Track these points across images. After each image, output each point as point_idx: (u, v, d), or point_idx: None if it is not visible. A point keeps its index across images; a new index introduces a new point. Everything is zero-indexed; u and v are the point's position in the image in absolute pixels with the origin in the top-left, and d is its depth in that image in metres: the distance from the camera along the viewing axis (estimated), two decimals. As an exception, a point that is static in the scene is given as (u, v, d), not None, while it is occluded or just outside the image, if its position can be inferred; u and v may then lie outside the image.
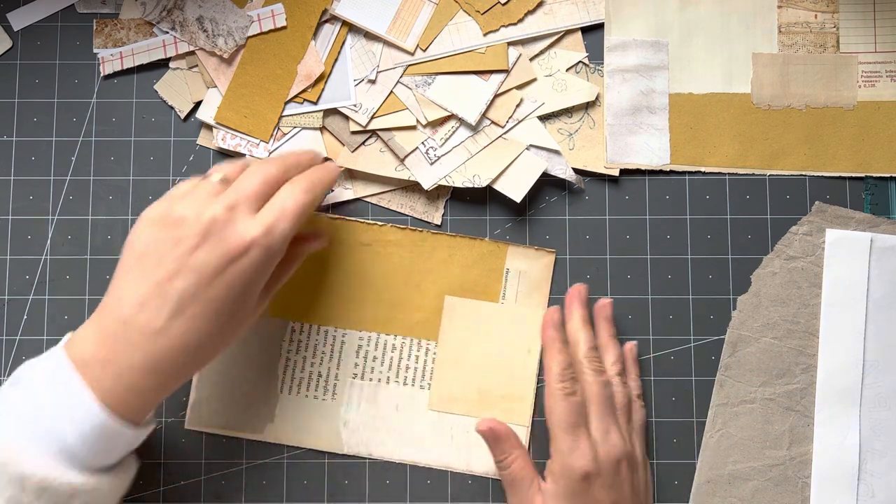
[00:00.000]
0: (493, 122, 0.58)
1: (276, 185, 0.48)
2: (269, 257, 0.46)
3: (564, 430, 0.50)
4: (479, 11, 0.58)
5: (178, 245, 0.44)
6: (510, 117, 0.58)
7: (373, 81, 0.58)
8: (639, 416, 0.55)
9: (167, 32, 0.59)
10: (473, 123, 0.57)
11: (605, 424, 0.51)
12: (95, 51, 0.59)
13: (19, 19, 0.60)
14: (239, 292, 0.45)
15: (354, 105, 0.58)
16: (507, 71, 0.58)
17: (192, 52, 0.59)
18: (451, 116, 0.58)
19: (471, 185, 0.57)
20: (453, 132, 0.58)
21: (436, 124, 0.58)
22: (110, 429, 0.43)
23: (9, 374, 0.57)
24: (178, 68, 0.59)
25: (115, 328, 0.44)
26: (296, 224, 0.47)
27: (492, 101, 0.58)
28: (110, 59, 0.59)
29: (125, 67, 0.59)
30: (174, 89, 0.59)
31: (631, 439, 0.53)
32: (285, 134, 0.58)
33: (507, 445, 0.52)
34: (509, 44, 0.58)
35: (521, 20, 0.58)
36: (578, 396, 0.51)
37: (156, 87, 0.59)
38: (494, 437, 0.52)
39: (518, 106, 0.58)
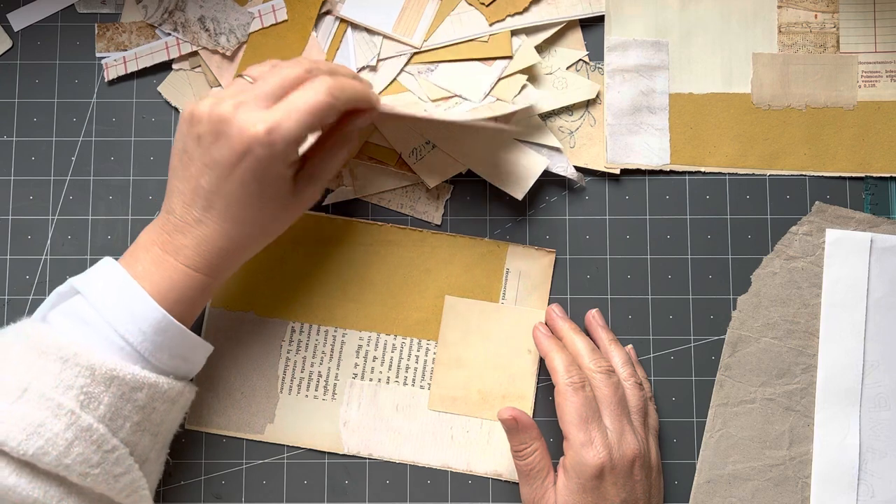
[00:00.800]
0: (498, 100, 0.58)
1: (298, 84, 0.47)
2: (273, 155, 0.45)
3: (577, 425, 0.49)
4: (483, 3, 0.58)
5: (199, 143, 0.46)
6: (515, 98, 0.57)
7: (374, 69, 0.58)
8: (653, 419, 0.55)
9: (169, 34, 0.59)
10: (478, 103, 0.57)
11: (620, 425, 0.50)
12: (98, 55, 0.59)
13: (19, 19, 0.60)
14: (255, 187, 0.46)
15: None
16: (510, 57, 0.58)
17: (194, 53, 0.59)
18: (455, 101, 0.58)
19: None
20: (456, 106, 0.57)
21: (439, 101, 0.58)
22: (166, 324, 0.47)
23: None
24: (180, 69, 0.59)
25: (167, 222, 0.48)
26: (305, 125, 0.45)
27: (495, 84, 0.58)
28: (114, 65, 0.59)
29: (129, 72, 0.59)
30: (178, 90, 0.59)
31: (647, 441, 0.52)
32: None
33: (527, 436, 0.51)
34: (512, 32, 0.58)
35: (526, 9, 0.58)
36: (589, 392, 0.50)
37: (159, 88, 0.59)
38: (516, 426, 0.51)
39: (523, 88, 0.57)
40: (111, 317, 0.46)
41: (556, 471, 0.51)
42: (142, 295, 0.46)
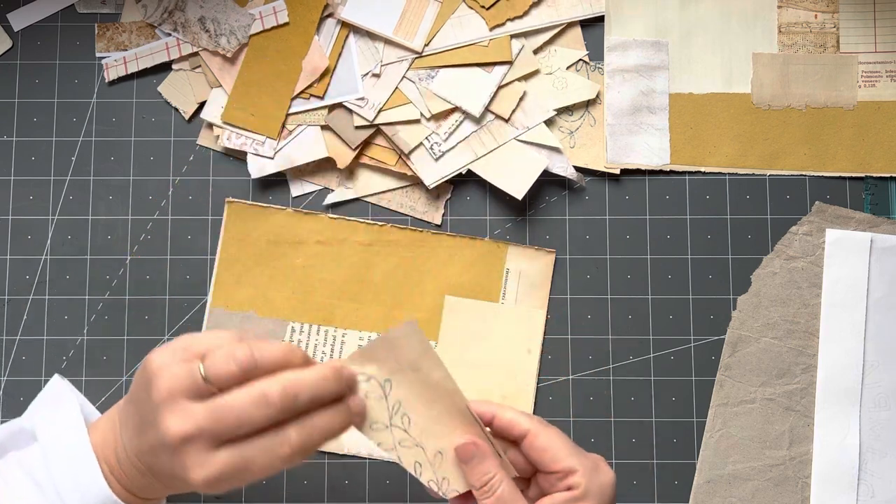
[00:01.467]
0: (497, 116, 0.58)
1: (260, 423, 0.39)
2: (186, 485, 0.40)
3: (576, 453, 0.44)
4: (483, 7, 0.58)
5: (138, 408, 0.41)
6: (514, 110, 0.58)
7: (377, 76, 0.58)
8: None
9: (169, 34, 0.59)
10: (478, 115, 0.57)
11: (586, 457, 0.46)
12: (98, 55, 0.59)
13: (19, 19, 0.60)
14: (166, 479, 0.41)
15: (361, 99, 0.58)
16: (510, 63, 0.58)
17: (195, 54, 0.59)
18: (455, 109, 0.58)
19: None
20: (457, 126, 0.58)
21: (440, 117, 0.58)
22: None
23: (8, 373, 0.57)
24: (181, 69, 0.59)
25: (110, 436, 0.43)
26: (248, 483, 0.40)
27: (495, 94, 0.58)
28: (114, 65, 0.59)
29: (129, 72, 0.59)
30: (178, 90, 0.59)
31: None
32: (291, 132, 0.58)
33: (491, 464, 0.44)
34: (512, 36, 0.58)
35: (525, 13, 0.58)
36: (552, 426, 0.46)
37: (159, 88, 0.59)
38: (477, 452, 0.44)
39: (522, 99, 0.58)
40: (62, 487, 0.42)
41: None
42: (94, 472, 0.42)
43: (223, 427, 0.38)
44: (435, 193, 0.59)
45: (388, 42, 0.58)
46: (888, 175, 0.58)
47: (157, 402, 0.39)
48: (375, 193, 0.59)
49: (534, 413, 0.57)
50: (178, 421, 0.38)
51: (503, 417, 0.45)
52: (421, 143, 0.58)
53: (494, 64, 0.58)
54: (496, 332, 0.58)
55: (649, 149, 0.58)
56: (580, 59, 0.59)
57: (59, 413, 0.45)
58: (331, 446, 0.57)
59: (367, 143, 0.58)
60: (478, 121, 0.58)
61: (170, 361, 0.39)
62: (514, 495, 0.44)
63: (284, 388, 0.39)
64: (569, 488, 0.44)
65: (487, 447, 0.44)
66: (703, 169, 0.59)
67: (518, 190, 0.57)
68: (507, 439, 0.45)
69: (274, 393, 0.39)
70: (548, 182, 0.59)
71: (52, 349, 0.58)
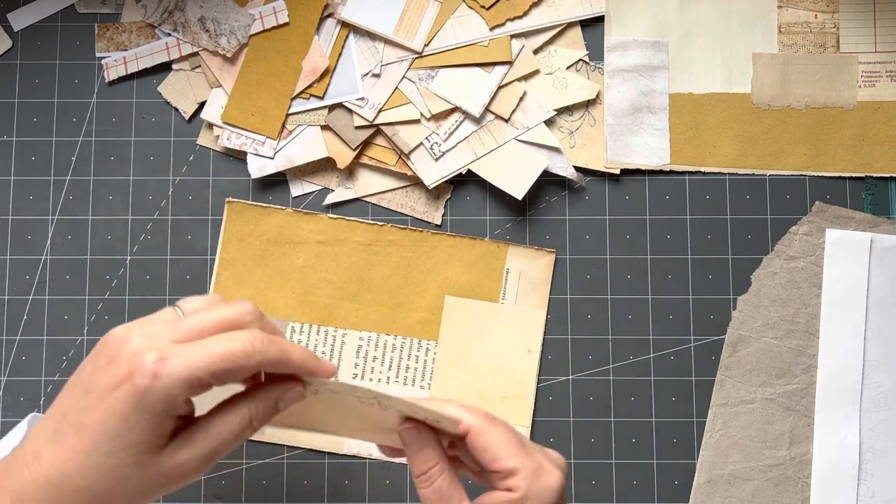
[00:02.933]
0: (496, 116, 0.58)
1: (227, 328, 0.38)
2: (153, 390, 0.35)
3: (518, 454, 0.41)
4: (483, 7, 0.58)
5: (94, 366, 0.38)
6: (514, 110, 0.58)
7: (377, 76, 0.58)
8: None
9: (169, 34, 0.59)
10: (478, 115, 0.57)
11: (533, 446, 0.43)
12: (98, 55, 0.59)
13: (19, 19, 0.60)
14: (117, 424, 0.36)
15: (361, 99, 0.58)
16: (510, 63, 0.58)
17: (195, 54, 0.59)
18: (455, 109, 0.58)
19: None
20: (457, 126, 0.58)
21: (440, 117, 0.58)
22: None
23: (8, 373, 0.57)
24: (181, 69, 0.59)
25: (17, 452, 0.38)
26: (203, 368, 0.36)
27: (495, 94, 0.58)
28: (114, 65, 0.59)
29: (129, 72, 0.59)
30: (177, 90, 0.59)
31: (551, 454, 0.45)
32: (291, 132, 0.58)
33: (433, 453, 0.42)
34: (512, 36, 0.58)
35: (525, 13, 0.58)
36: (500, 420, 0.43)
37: (159, 88, 0.59)
38: (419, 438, 0.42)
39: (522, 99, 0.58)
40: None
41: (467, 496, 0.42)
42: None
43: (193, 321, 0.38)
44: (435, 193, 0.59)
45: (388, 42, 0.58)
46: (888, 175, 0.58)
47: (118, 335, 0.37)
48: (375, 193, 0.59)
49: (534, 413, 0.57)
50: (137, 328, 0.37)
51: (445, 413, 0.41)
52: (421, 143, 0.58)
53: (494, 64, 0.58)
54: (496, 332, 0.58)
55: (649, 149, 0.58)
56: (580, 59, 0.59)
57: None
58: (331, 446, 0.57)
59: (367, 143, 0.58)
60: (478, 121, 0.58)
61: (132, 327, 0.38)
62: (451, 488, 0.42)
63: (259, 311, 0.40)
64: (508, 489, 0.41)
65: (430, 435, 0.42)
66: (703, 169, 0.59)
67: (518, 190, 0.57)
68: (453, 435, 0.43)
69: (249, 306, 0.39)
70: (548, 182, 0.59)
71: (52, 349, 0.58)
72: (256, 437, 0.57)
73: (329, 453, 0.57)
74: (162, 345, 0.37)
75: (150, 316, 0.40)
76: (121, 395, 0.36)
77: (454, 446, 0.44)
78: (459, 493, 0.42)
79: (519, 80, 0.58)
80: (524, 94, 0.58)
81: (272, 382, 0.40)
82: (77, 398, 0.37)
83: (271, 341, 0.38)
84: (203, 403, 0.40)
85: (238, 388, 0.40)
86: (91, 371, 0.37)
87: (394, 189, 0.59)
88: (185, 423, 0.39)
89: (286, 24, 0.58)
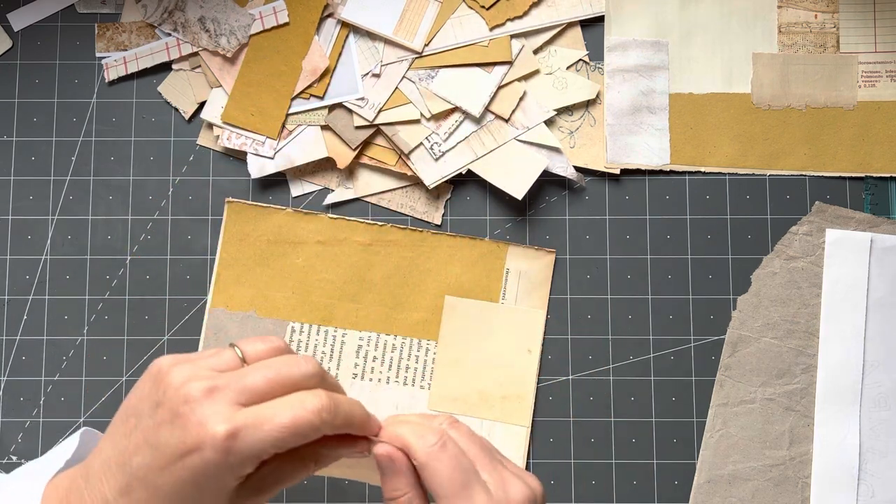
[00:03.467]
0: (497, 116, 0.58)
1: (290, 389, 0.38)
2: (224, 464, 0.36)
3: (457, 494, 0.39)
4: (483, 7, 0.58)
5: (153, 414, 0.38)
6: (514, 110, 0.58)
7: (377, 76, 0.58)
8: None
9: (169, 34, 0.59)
10: (478, 115, 0.57)
11: (498, 472, 0.41)
12: (98, 55, 0.59)
13: (19, 19, 0.60)
14: (190, 492, 0.37)
15: (361, 99, 0.58)
16: (510, 63, 0.58)
17: (195, 54, 0.59)
18: (456, 109, 0.58)
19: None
20: (457, 126, 0.58)
21: (440, 117, 0.58)
22: None
23: (8, 373, 0.57)
24: (180, 69, 0.59)
25: (80, 483, 0.39)
26: (275, 442, 0.36)
27: (495, 94, 0.58)
28: (114, 65, 0.59)
29: (129, 72, 0.59)
30: (177, 90, 0.59)
31: (525, 478, 0.43)
32: (291, 132, 0.58)
33: (402, 482, 0.41)
34: (512, 36, 0.58)
35: (525, 13, 0.58)
36: (454, 449, 0.40)
37: (159, 88, 0.59)
38: (392, 466, 0.41)
39: (522, 99, 0.58)
40: None
41: None
42: None
43: (251, 378, 0.38)
44: (435, 193, 0.59)
45: (388, 42, 0.58)
46: (888, 175, 0.58)
47: (179, 383, 0.37)
48: (375, 193, 0.59)
49: (534, 413, 0.57)
50: (202, 382, 0.37)
51: (398, 440, 0.41)
52: (421, 143, 0.58)
53: (494, 64, 0.58)
54: (496, 332, 0.58)
55: (649, 149, 0.58)
56: (580, 59, 0.59)
57: (23, 474, 0.42)
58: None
59: (367, 143, 0.58)
60: (478, 121, 0.58)
61: (192, 377, 0.38)
62: None
63: (319, 367, 0.40)
64: None
65: (403, 461, 0.41)
66: (703, 169, 0.59)
67: (518, 190, 0.57)
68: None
69: (310, 361, 0.39)
70: (548, 182, 0.59)
71: (52, 349, 0.58)
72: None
73: (329, 453, 0.57)
74: (228, 409, 0.37)
75: (207, 355, 0.40)
76: (191, 464, 0.36)
77: None
78: None
79: (519, 80, 0.58)
80: (524, 94, 0.58)
81: (332, 441, 0.41)
82: (141, 452, 0.37)
83: (337, 409, 0.38)
84: None
85: None
86: (151, 420, 0.37)
87: (394, 189, 0.59)
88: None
89: (286, 24, 0.58)
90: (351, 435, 0.40)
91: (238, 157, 0.59)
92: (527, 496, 0.40)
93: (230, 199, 0.58)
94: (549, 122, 0.58)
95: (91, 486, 0.38)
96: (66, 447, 0.43)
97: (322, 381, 0.40)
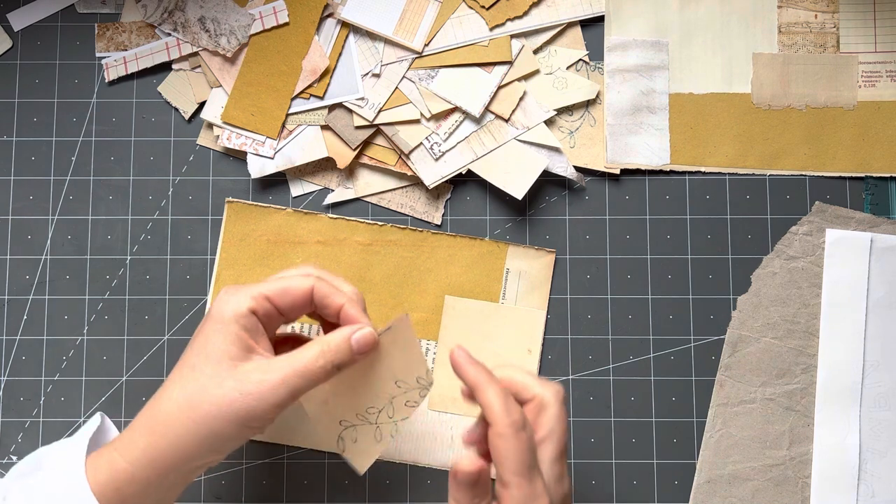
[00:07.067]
0: (497, 116, 0.58)
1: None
2: (218, 325, 0.45)
3: (522, 474, 0.42)
4: (483, 7, 0.58)
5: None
6: (514, 110, 0.58)
7: (377, 76, 0.58)
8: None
9: (169, 34, 0.59)
10: (478, 115, 0.57)
11: (561, 466, 0.45)
12: (98, 55, 0.59)
13: (19, 19, 0.60)
14: (199, 345, 0.45)
15: (361, 99, 0.58)
16: (510, 63, 0.58)
17: (194, 54, 0.59)
18: (455, 109, 0.58)
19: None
20: (457, 126, 0.58)
21: (440, 117, 0.58)
22: None
23: (8, 373, 0.57)
24: (180, 69, 0.59)
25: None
26: (257, 290, 0.46)
27: (495, 94, 0.58)
28: (114, 65, 0.59)
29: (129, 72, 0.59)
30: (177, 90, 0.59)
31: (566, 479, 0.46)
32: (291, 132, 0.58)
33: (482, 490, 0.43)
34: (512, 36, 0.58)
35: (525, 13, 0.58)
36: (529, 432, 0.43)
37: (159, 88, 0.59)
38: (476, 482, 0.43)
39: (521, 98, 0.58)
40: None
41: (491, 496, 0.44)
42: (87, 499, 0.43)
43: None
44: (435, 193, 0.59)
45: (388, 42, 0.58)
46: (888, 175, 0.58)
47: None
48: (375, 193, 0.59)
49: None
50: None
51: (484, 397, 0.44)
52: (421, 143, 0.58)
53: (494, 64, 0.58)
54: (496, 332, 0.58)
55: (649, 149, 0.58)
56: (580, 59, 0.59)
57: (66, 443, 0.47)
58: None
59: (367, 143, 0.58)
60: (478, 121, 0.58)
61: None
62: (484, 488, 0.43)
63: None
64: None
65: (487, 474, 0.43)
66: (703, 169, 0.59)
67: (518, 190, 0.57)
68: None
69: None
70: (548, 182, 0.59)
71: (52, 349, 0.58)
72: (257, 437, 0.57)
73: (329, 453, 0.57)
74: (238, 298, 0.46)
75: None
76: (204, 320, 0.46)
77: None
78: (490, 496, 0.43)
79: (519, 80, 0.58)
80: (524, 93, 0.58)
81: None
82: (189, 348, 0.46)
83: (324, 280, 0.47)
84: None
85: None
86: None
87: (394, 189, 0.59)
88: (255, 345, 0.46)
89: (286, 24, 0.58)
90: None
91: (238, 157, 0.59)
92: (567, 492, 0.45)
93: (230, 199, 0.58)
94: (549, 122, 0.58)
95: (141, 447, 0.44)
96: (90, 425, 0.49)
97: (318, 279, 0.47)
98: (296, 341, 0.50)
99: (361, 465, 0.48)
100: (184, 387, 0.44)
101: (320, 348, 0.45)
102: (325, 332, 0.50)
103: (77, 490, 0.43)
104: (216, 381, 0.44)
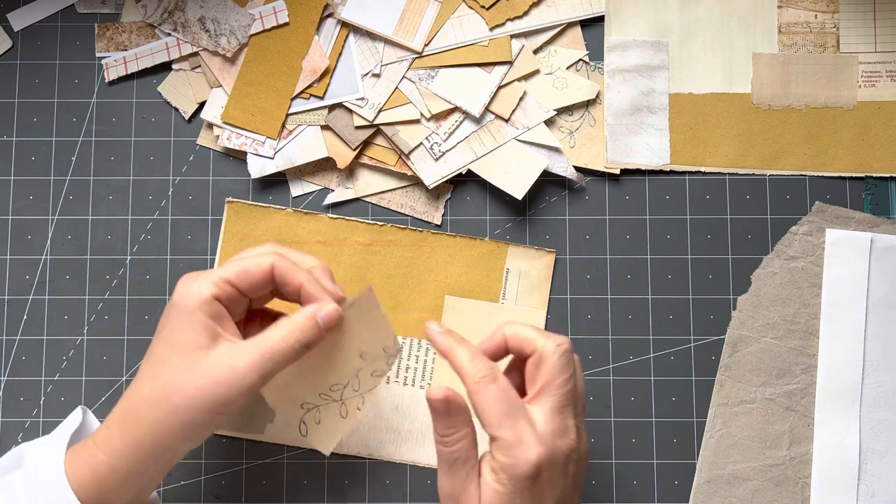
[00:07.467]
0: (497, 116, 0.58)
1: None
2: (183, 315, 0.45)
3: (500, 423, 0.43)
4: (483, 7, 0.58)
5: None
6: (514, 110, 0.58)
7: (377, 76, 0.58)
8: (581, 388, 0.47)
9: (169, 34, 0.59)
10: (478, 115, 0.57)
11: (563, 419, 0.44)
12: (98, 55, 0.59)
13: (19, 19, 0.60)
14: (167, 336, 0.45)
15: (361, 99, 0.58)
16: (510, 63, 0.58)
17: (194, 54, 0.59)
18: (455, 109, 0.58)
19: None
20: (457, 126, 0.58)
21: (440, 117, 0.58)
22: None
23: (8, 373, 0.57)
24: (181, 69, 0.59)
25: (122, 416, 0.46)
26: (222, 272, 0.46)
27: (495, 94, 0.58)
28: (114, 65, 0.59)
29: (129, 72, 0.59)
30: (177, 90, 0.59)
31: (582, 436, 0.46)
32: (291, 132, 0.58)
33: (458, 419, 0.44)
34: (512, 36, 0.58)
35: (525, 13, 0.58)
36: (504, 383, 0.44)
37: (159, 88, 0.59)
38: (448, 409, 0.44)
39: (521, 98, 0.58)
40: None
41: (479, 459, 0.45)
42: (66, 496, 0.44)
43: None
44: (435, 193, 0.59)
45: (388, 42, 0.58)
46: (888, 175, 0.58)
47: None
48: (375, 193, 0.59)
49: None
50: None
51: (454, 359, 0.45)
52: (421, 143, 0.58)
53: (494, 64, 0.58)
54: (496, 332, 0.58)
55: (649, 149, 0.58)
56: (580, 59, 0.59)
57: (47, 439, 0.47)
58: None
59: (367, 143, 0.58)
60: (478, 121, 0.58)
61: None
62: (467, 454, 0.44)
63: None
64: (493, 456, 0.44)
65: (460, 401, 0.45)
66: (703, 169, 0.59)
67: (518, 190, 0.57)
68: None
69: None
70: (548, 182, 0.59)
71: (52, 349, 0.58)
72: (256, 437, 0.57)
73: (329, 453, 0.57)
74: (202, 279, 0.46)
75: None
76: (168, 315, 0.46)
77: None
78: (473, 459, 0.44)
79: (519, 80, 0.58)
80: (524, 93, 0.58)
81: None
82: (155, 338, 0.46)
83: (284, 252, 0.47)
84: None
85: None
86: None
87: (394, 189, 0.59)
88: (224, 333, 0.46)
89: (286, 24, 0.58)
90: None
91: (238, 157, 0.59)
92: (570, 447, 0.44)
93: (230, 199, 0.58)
94: (549, 122, 0.58)
95: (118, 437, 0.45)
96: (72, 419, 0.49)
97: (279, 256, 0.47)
98: (264, 316, 0.50)
99: (326, 445, 0.48)
100: (154, 380, 0.44)
101: (288, 328, 0.45)
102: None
103: (57, 487, 0.44)
104: (186, 373, 0.44)
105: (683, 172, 0.59)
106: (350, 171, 0.59)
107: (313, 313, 0.45)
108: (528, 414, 0.43)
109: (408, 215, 0.59)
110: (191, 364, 0.44)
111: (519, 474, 0.42)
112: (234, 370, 0.43)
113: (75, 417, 0.50)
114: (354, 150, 0.58)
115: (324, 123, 0.58)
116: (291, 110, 0.58)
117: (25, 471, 0.45)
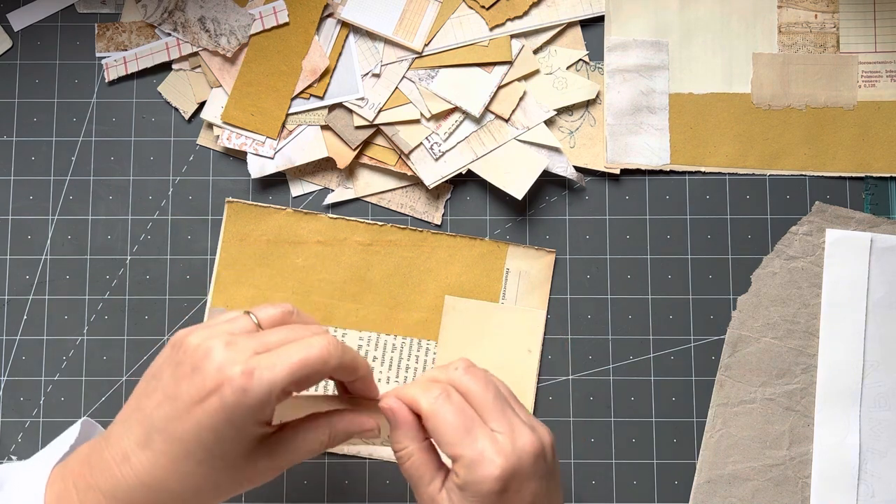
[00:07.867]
0: (497, 116, 0.58)
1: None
2: (243, 405, 0.38)
3: (458, 442, 0.41)
4: (483, 7, 0.58)
5: (174, 372, 0.40)
6: (514, 110, 0.58)
7: (377, 76, 0.58)
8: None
9: (169, 34, 0.59)
10: (478, 115, 0.57)
11: (508, 419, 0.42)
12: (98, 55, 0.59)
13: (19, 19, 0.60)
14: (208, 437, 0.38)
15: (361, 99, 0.58)
16: (510, 63, 0.58)
17: (194, 54, 0.59)
18: (455, 109, 0.58)
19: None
20: (457, 126, 0.58)
21: (440, 117, 0.58)
22: None
23: (8, 373, 0.57)
24: (181, 69, 0.59)
25: (99, 443, 0.41)
26: (289, 378, 0.38)
27: (495, 94, 0.58)
28: (114, 65, 0.59)
29: (129, 72, 0.59)
30: (177, 90, 0.59)
31: (537, 427, 0.44)
32: (291, 132, 0.58)
33: (403, 435, 0.43)
34: (512, 36, 0.59)
35: (525, 13, 0.58)
36: (457, 399, 0.42)
37: (159, 88, 0.59)
38: (394, 422, 0.43)
39: (522, 98, 0.58)
40: None
41: (444, 474, 0.43)
42: None
43: (271, 336, 0.41)
44: (435, 193, 0.59)
45: (388, 42, 0.58)
46: (888, 175, 0.58)
47: (199, 342, 0.40)
48: (375, 193, 0.59)
49: (534, 413, 0.57)
50: (221, 339, 0.40)
51: (405, 396, 0.43)
52: (421, 143, 0.58)
53: (494, 64, 0.58)
54: (496, 332, 0.58)
55: (649, 149, 0.58)
56: (580, 59, 0.59)
57: (36, 460, 0.44)
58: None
59: (367, 143, 0.58)
60: (478, 121, 0.58)
61: (212, 336, 0.40)
62: (420, 470, 0.43)
63: (328, 333, 0.42)
64: (456, 474, 0.42)
65: (405, 416, 0.43)
66: (703, 169, 0.59)
67: (518, 190, 0.57)
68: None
69: (321, 328, 0.42)
70: (548, 182, 0.59)
71: (52, 349, 0.58)
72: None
73: (329, 453, 0.57)
74: (244, 356, 0.39)
75: (224, 321, 0.42)
76: (210, 408, 0.38)
77: None
78: (431, 474, 0.43)
79: (519, 79, 0.58)
80: (524, 93, 0.58)
81: (350, 410, 0.44)
82: (162, 405, 0.39)
83: (343, 348, 0.41)
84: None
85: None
86: (173, 377, 0.39)
87: (394, 189, 0.59)
88: (269, 431, 0.41)
89: (286, 24, 0.58)
90: (361, 407, 0.44)
91: (238, 157, 0.59)
92: (534, 446, 0.42)
93: (230, 199, 0.58)
94: (549, 122, 0.58)
95: (111, 444, 0.40)
96: (68, 436, 0.45)
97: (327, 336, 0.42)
98: None
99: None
100: (184, 484, 0.39)
101: (327, 436, 0.42)
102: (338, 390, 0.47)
103: None
104: (227, 475, 0.40)
105: (683, 172, 0.59)
106: (350, 171, 0.59)
107: (355, 429, 0.43)
108: (486, 428, 0.42)
109: (408, 215, 0.59)
110: (237, 474, 0.40)
111: (485, 491, 0.41)
112: (267, 473, 0.41)
113: (71, 434, 0.45)
114: (354, 150, 0.58)
115: (324, 123, 0.58)
116: (291, 110, 0.58)
117: (5, 495, 0.41)
